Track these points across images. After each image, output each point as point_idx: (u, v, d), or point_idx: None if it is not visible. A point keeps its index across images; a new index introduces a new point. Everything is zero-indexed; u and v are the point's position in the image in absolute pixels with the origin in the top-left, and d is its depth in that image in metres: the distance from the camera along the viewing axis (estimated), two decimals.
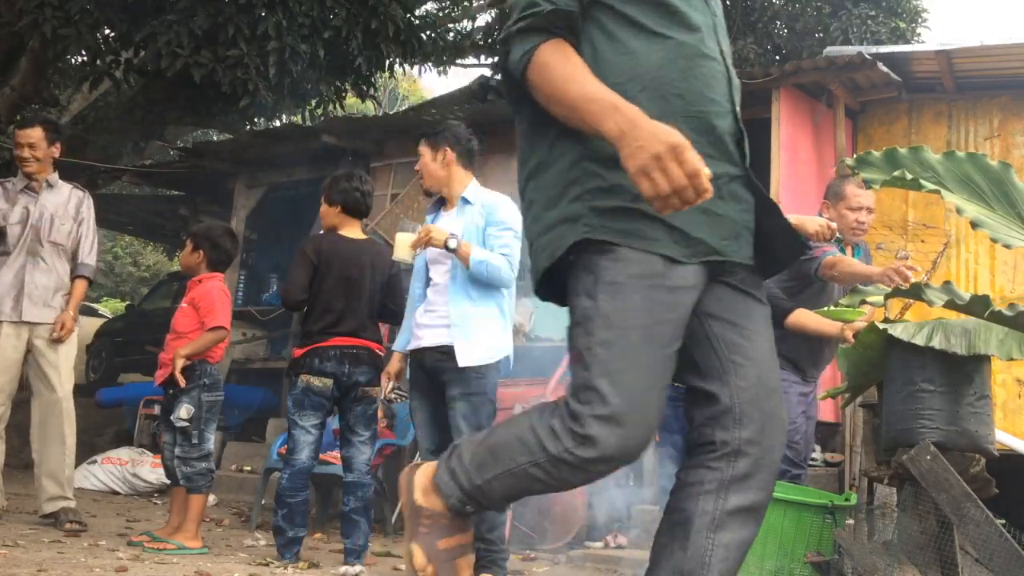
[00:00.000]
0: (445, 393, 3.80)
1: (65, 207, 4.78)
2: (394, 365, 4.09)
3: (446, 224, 3.94)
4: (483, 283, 3.82)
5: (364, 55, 8.80)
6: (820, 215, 4.19)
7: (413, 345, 3.93)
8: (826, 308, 3.91)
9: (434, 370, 3.83)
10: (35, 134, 4.74)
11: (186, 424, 4.36)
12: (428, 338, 3.86)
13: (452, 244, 3.74)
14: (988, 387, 2.84)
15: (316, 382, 4.21)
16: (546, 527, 5.52)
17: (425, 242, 3.78)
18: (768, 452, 1.69)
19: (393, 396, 4.08)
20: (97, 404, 9.43)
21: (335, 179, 4.47)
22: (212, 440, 4.51)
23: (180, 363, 4.32)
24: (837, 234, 3.89)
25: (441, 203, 4.09)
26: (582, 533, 5.60)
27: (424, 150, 4.03)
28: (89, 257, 4.84)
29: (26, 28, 7.91)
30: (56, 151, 4.83)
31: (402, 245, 3.86)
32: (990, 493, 2.79)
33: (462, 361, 3.74)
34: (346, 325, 4.27)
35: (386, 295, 4.42)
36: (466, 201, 3.97)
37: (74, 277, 4.80)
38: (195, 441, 4.40)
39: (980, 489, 2.74)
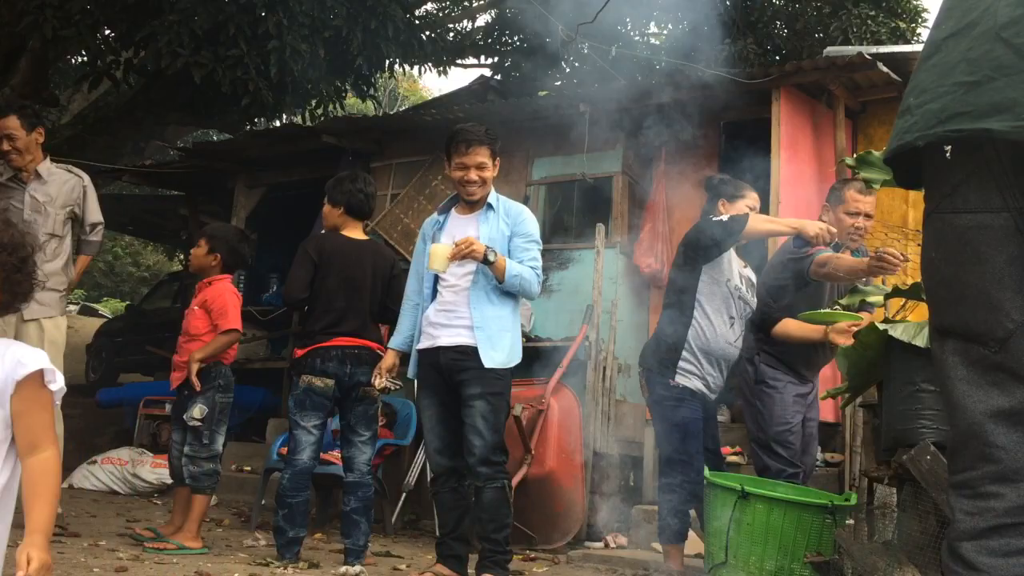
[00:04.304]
0: (461, 392, 3.79)
1: (56, 196, 4.62)
2: (387, 360, 4.04)
3: (465, 227, 3.91)
4: (503, 290, 3.83)
5: (364, 55, 8.81)
6: (820, 218, 4.20)
7: (427, 344, 3.88)
8: (823, 311, 3.92)
9: (450, 369, 3.80)
10: (11, 124, 4.49)
11: (199, 424, 4.37)
12: (446, 338, 3.83)
13: (492, 257, 3.72)
14: None
15: (318, 382, 4.21)
16: (546, 527, 5.52)
17: (466, 254, 3.71)
18: None
19: (387, 385, 4.03)
20: (97, 404, 9.44)
21: (339, 180, 4.47)
22: (221, 441, 4.51)
23: (196, 367, 4.33)
24: (836, 239, 3.89)
25: (452, 202, 4.04)
26: (582, 533, 5.60)
27: (490, 161, 3.89)
28: (92, 236, 4.79)
29: (26, 29, 7.92)
30: (40, 136, 4.61)
31: (439, 256, 3.77)
32: None
33: (488, 363, 3.74)
34: (347, 325, 4.27)
35: (387, 296, 4.42)
36: (490, 207, 3.93)
37: (77, 254, 4.81)
38: (205, 441, 4.40)
39: None
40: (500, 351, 3.79)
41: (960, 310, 1.48)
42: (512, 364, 3.86)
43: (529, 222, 3.95)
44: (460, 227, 3.93)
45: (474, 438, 3.72)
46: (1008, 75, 1.39)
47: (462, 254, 3.70)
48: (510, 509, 3.79)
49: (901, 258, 3.62)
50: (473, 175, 3.86)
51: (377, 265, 4.41)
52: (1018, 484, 1.41)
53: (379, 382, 4.02)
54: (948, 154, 1.47)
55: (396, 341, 4.07)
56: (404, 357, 4.05)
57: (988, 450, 1.43)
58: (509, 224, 3.90)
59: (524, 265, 3.83)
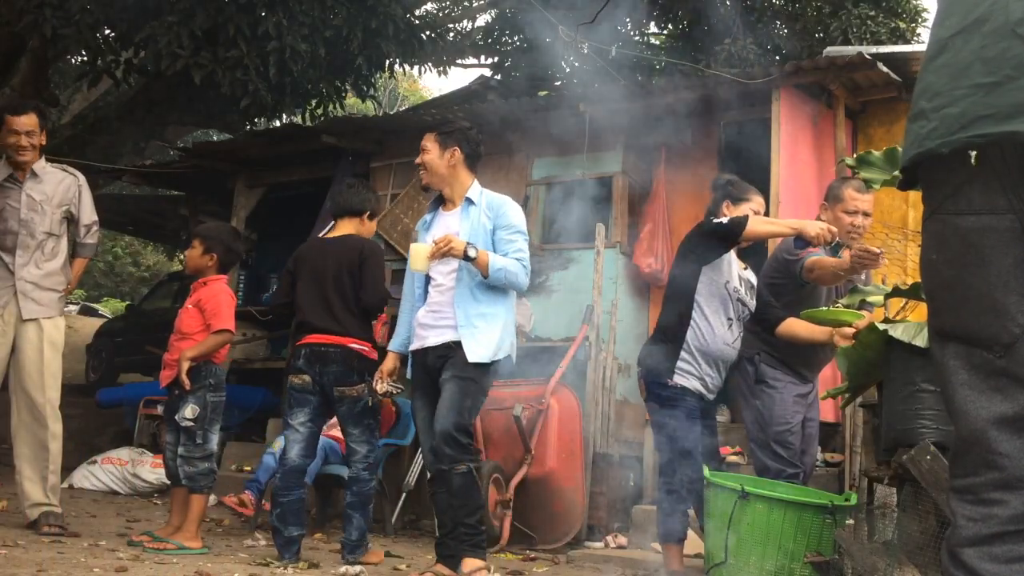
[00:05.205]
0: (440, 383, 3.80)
1: (53, 195, 4.62)
2: (387, 364, 4.05)
3: (448, 224, 3.92)
4: (490, 285, 3.82)
5: (364, 55, 8.81)
6: (819, 217, 4.20)
7: (417, 345, 3.89)
8: (824, 309, 3.91)
9: (436, 368, 3.81)
10: (32, 121, 4.54)
11: (191, 424, 4.37)
12: (432, 338, 3.83)
13: (472, 253, 3.70)
14: None
15: (296, 380, 4.25)
16: (546, 527, 5.52)
17: (445, 252, 3.71)
18: None
19: (389, 389, 4.04)
20: (97, 404, 9.43)
21: None
22: (216, 440, 4.51)
23: (186, 365, 4.33)
24: (837, 238, 3.89)
25: (439, 202, 4.06)
26: (582, 533, 5.60)
27: (431, 145, 3.95)
28: (87, 238, 4.78)
29: (26, 28, 7.92)
30: (44, 138, 4.65)
31: (418, 256, 3.76)
32: None
33: (471, 357, 3.73)
34: (316, 323, 4.26)
35: (360, 287, 4.33)
36: (470, 202, 3.93)
37: (74, 257, 4.78)
38: (199, 441, 4.40)
39: None
40: (485, 347, 3.77)
41: (962, 314, 1.44)
42: (499, 358, 3.82)
43: (511, 213, 3.91)
44: (444, 224, 3.94)
45: (439, 417, 3.71)
46: None
47: (441, 252, 3.70)
48: (479, 492, 3.76)
49: (877, 252, 3.65)
50: (418, 159, 3.98)
51: (343, 258, 4.32)
52: (1022, 491, 1.38)
53: (380, 386, 4.02)
54: (973, 160, 1.41)
55: (394, 343, 4.08)
56: (407, 359, 4.05)
57: (991, 457, 1.40)
58: (491, 217, 3.88)
59: (509, 258, 3.79)
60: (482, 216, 3.89)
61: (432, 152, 3.95)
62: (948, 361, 1.47)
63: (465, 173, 3.97)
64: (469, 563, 3.67)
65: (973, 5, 1.45)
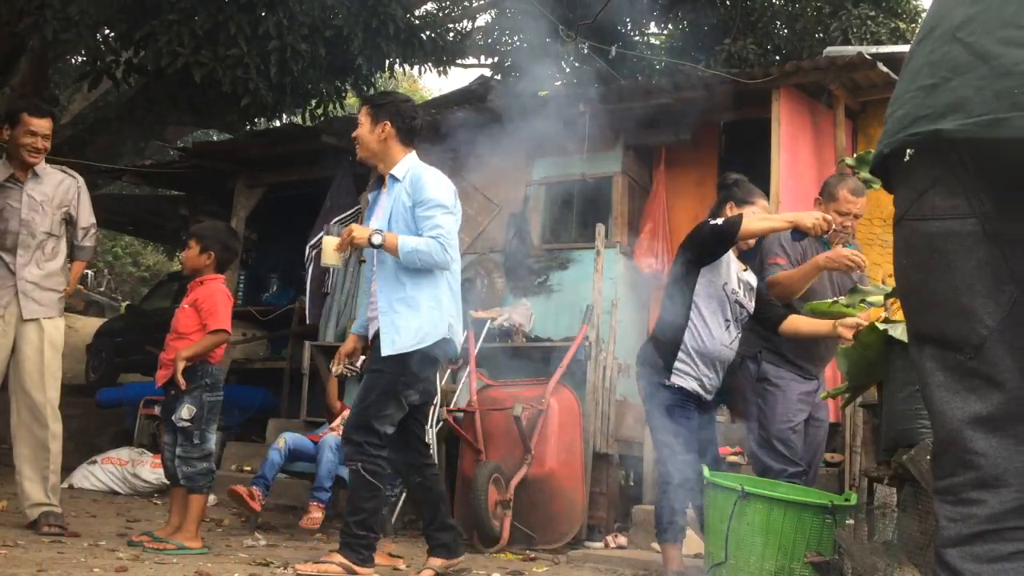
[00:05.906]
0: None
1: (53, 196, 4.63)
2: (346, 345, 4.02)
3: (383, 203, 3.87)
4: (416, 268, 3.71)
5: (364, 55, 8.82)
6: None
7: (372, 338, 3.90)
8: (827, 302, 3.91)
9: None
10: (49, 124, 4.61)
11: (188, 424, 4.36)
12: (373, 329, 3.82)
13: (376, 240, 3.62)
14: None
15: None
16: (546, 527, 5.52)
17: (349, 243, 3.66)
18: None
19: (343, 371, 4.04)
20: (97, 404, 9.43)
21: None
22: (213, 440, 4.51)
23: (181, 365, 4.32)
24: (833, 225, 3.90)
25: (381, 181, 4.00)
26: (582, 533, 5.60)
27: (364, 119, 3.87)
28: (85, 241, 4.79)
29: (26, 29, 7.92)
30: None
31: (327, 250, 3.69)
32: None
33: (385, 350, 3.64)
34: None
35: None
36: (395, 179, 3.84)
37: (71, 260, 4.78)
38: (196, 441, 4.40)
39: None
40: (404, 335, 3.66)
41: (932, 317, 1.47)
42: (423, 346, 3.68)
43: (428, 187, 3.73)
44: (381, 204, 3.90)
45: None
46: (962, 74, 1.38)
47: (346, 244, 3.67)
48: (370, 494, 3.66)
49: (862, 265, 3.81)
50: (354, 133, 3.91)
51: None
52: (999, 490, 1.39)
53: (336, 368, 4.00)
54: (908, 157, 1.46)
55: (355, 325, 4.06)
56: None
57: (968, 457, 1.42)
58: (411, 194, 3.77)
59: (424, 236, 3.66)
60: (403, 193, 3.78)
61: (364, 126, 3.86)
62: (925, 363, 1.50)
63: (398, 148, 3.86)
64: (333, 555, 3.66)
65: (932, 14, 1.51)
